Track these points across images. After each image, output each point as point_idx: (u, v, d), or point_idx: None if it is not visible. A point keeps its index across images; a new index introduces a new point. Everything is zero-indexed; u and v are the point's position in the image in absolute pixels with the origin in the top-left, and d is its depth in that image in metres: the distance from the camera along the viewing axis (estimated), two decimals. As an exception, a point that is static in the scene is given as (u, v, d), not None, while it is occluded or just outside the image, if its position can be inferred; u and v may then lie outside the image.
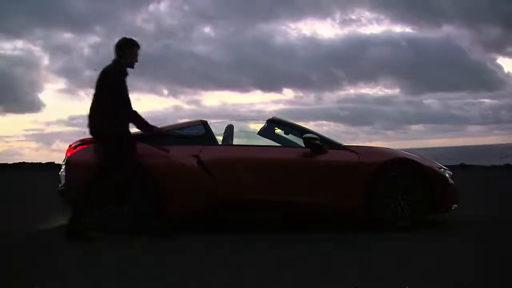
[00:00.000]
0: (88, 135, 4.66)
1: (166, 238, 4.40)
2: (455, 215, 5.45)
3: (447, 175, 5.18)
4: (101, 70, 4.53)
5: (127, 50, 4.57)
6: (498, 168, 18.20)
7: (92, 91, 4.54)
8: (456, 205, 5.21)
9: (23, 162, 21.62)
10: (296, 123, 5.50)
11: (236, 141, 5.45)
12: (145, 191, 4.52)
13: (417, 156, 5.24)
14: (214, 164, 4.85)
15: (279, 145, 5.51)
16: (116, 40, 4.61)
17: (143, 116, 4.77)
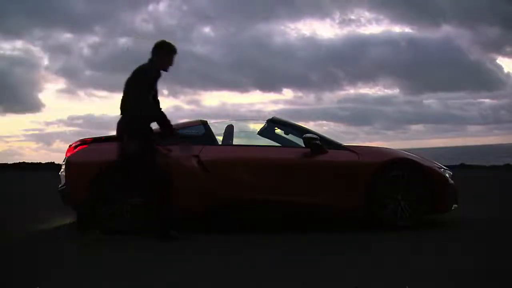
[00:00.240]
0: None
1: (166, 238, 4.39)
2: (455, 215, 5.45)
3: (447, 175, 5.18)
4: (136, 68, 4.51)
5: (164, 54, 4.56)
6: (498, 168, 18.19)
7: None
8: (456, 205, 5.22)
9: (23, 162, 21.60)
10: (296, 123, 5.50)
11: (236, 141, 5.45)
12: (161, 193, 4.48)
13: (417, 156, 5.25)
14: (214, 164, 4.85)
15: (279, 145, 5.51)
16: (154, 41, 4.61)
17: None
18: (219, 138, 5.37)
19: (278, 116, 5.55)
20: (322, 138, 5.06)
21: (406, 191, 4.92)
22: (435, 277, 3.22)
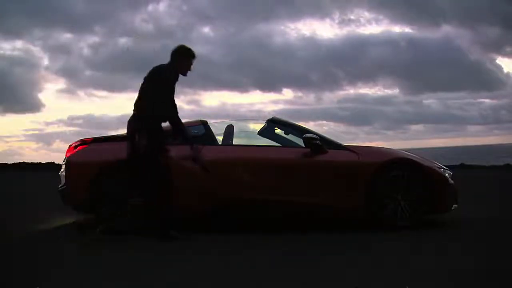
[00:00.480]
0: None
1: (166, 238, 4.39)
2: (455, 215, 5.45)
3: (447, 175, 5.18)
4: (154, 66, 4.52)
5: (183, 59, 4.58)
6: (498, 168, 18.19)
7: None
8: (456, 205, 5.22)
9: (23, 162, 21.60)
10: (296, 123, 5.50)
11: (236, 141, 5.45)
12: (162, 193, 4.47)
13: (417, 156, 5.24)
14: (214, 164, 4.85)
15: (279, 145, 5.51)
16: (172, 47, 4.63)
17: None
18: (219, 138, 5.37)
19: (278, 116, 5.55)
20: (322, 138, 5.06)
21: (406, 191, 4.92)
22: (435, 277, 3.22)
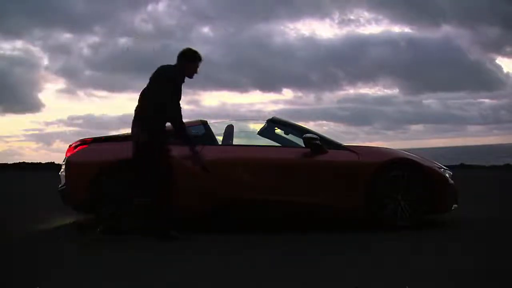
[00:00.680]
0: None
1: (166, 238, 4.39)
2: (455, 215, 5.45)
3: (447, 175, 5.18)
4: (160, 66, 4.52)
5: (190, 62, 4.60)
6: (498, 168, 18.19)
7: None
8: (456, 205, 5.22)
9: (23, 162, 21.60)
10: (296, 123, 5.50)
11: (236, 141, 5.45)
12: (162, 193, 4.47)
13: (417, 156, 5.24)
14: (214, 164, 4.85)
15: (279, 145, 5.51)
16: (179, 49, 4.63)
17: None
18: (219, 138, 5.37)
19: (278, 116, 5.55)
20: (322, 138, 5.06)
21: (406, 191, 4.92)
22: (435, 277, 3.22)
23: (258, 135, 5.63)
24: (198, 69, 4.68)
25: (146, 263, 3.65)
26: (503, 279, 3.22)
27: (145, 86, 4.50)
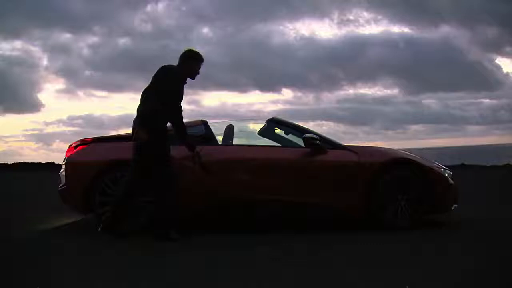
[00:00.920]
0: None
1: (166, 238, 4.39)
2: (455, 215, 5.45)
3: (447, 175, 5.18)
4: (162, 66, 4.52)
5: (191, 62, 4.62)
6: (498, 168, 18.20)
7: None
8: (456, 205, 5.22)
9: (23, 162, 21.63)
10: (296, 123, 5.49)
11: (236, 141, 5.44)
12: (163, 193, 4.46)
13: (417, 156, 5.24)
14: (214, 164, 4.85)
15: (279, 145, 5.50)
16: (181, 50, 4.65)
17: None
18: (219, 138, 5.37)
19: (278, 116, 5.54)
20: (322, 138, 5.06)
21: (406, 191, 4.91)
22: (435, 277, 3.22)
23: (258, 135, 5.63)
24: (199, 69, 4.69)
25: (146, 263, 3.65)
26: (503, 279, 3.22)
27: (147, 85, 4.50)
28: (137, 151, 4.44)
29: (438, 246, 4.25)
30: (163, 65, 4.53)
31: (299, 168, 5.03)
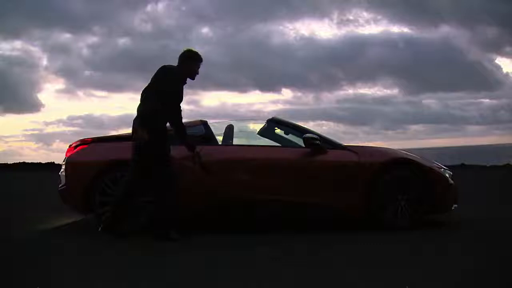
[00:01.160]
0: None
1: (166, 238, 4.39)
2: (455, 215, 5.45)
3: (447, 175, 5.18)
4: (162, 66, 4.53)
5: (191, 62, 4.63)
6: (498, 168, 18.20)
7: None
8: (456, 205, 5.21)
9: (23, 162, 21.63)
10: (296, 123, 5.49)
11: (236, 141, 5.44)
12: (163, 193, 4.46)
13: (417, 156, 5.24)
14: (214, 164, 4.85)
15: (279, 145, 5.50)
16: (180, 50, 4.66)
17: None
18: (219, 138, 5.37)
19: (278, 116, 5.54)
20: (322, 138, 5.06)
21: (406, 191, 4.91)
22: (435, 277, 3.22)
23: (258, 135, 5.63)
24: (199, 69, 4.70)
25: (146, 263, 3.65)
26: (503, 279, 3.22)
27: (146, 85, 4.50)
28: (137, 151, 4.44)
29: (438, 246, 4.25)
30: (163, 65, 4.53)
31: (299, 168, 5.03)
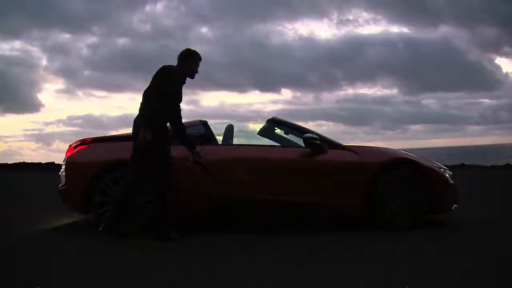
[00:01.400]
0: None
1: (166, 238, 4.40)
2: (455, 215, 5.45)
3: (447, 175, 5.18)
4: (162, 65, 4.53)
5: (190, 61, 4.63)
6: (498, 168, 18.19)
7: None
8: (456, 205, 5.21)
9: (23, 162, 21.62)
10: (296, 123, 5.49)
11: (236, 141, 5.44)
12: (164, 193, 4.46)
13: (417, 156, 5.24)
14: (214, 164, 4.84)
15: (279, 145, 5.50)
16: (179, 50, 4.66)
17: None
18: (219, 138, 5.37)
19: (278, 116, 5.54)
20: (322, 138, 5.06)
21: (406, 191, 4.91)
22: (435, 277, 3.22)
23: (258, 135, 5.63)
24: (198, 68, 4.70)
25: (147, 263, 3.65)
26: (503, 279, 3.22)
27: (147, 85, 4.51)
28: (137, 151, 4.44)
29: (438, 246, 4.25)
30: (163, 65, 4.53)
31: (299, 168, 5.03)
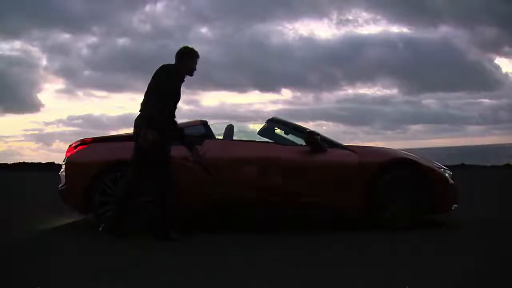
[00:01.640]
0: None
1: (165, 238, 4.40)
2: (455, 215, 5.45)
3: (447, 175, 5.18)
4: (161, 65, 4.54)
5: (188, 59, 4.62)
6: (498, 168, 18.19)
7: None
8: (456, 205, 5.21)
9: (23, 162, 21.61)
10: (297, 123, 5.49)
11: (236, 141, 5.42)
12: (164, 193, 4.46)
13: (417, 156, 5.24)
14: (214, 164, 4.84)
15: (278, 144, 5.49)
16: (177, 48, 4.65)
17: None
18: (219, 138, 5.36)
19: (278, 116, 5.54)
20: (322, 138, 5.06)
21: (406, 191, 4.91)
22: (435, 277, 3.22)
23: (258, 135, 5.63)
24: (196, 65, 4.69)
25: (147, 263, 3.65)
26: (503, 279, 3.22)
27: (147, 85, 4.51)
28: (138, 151, 4.44)
29: (438, 246, 4.25)
30: (162, 64, 4.54)
31: (299, 168, 5.02)
